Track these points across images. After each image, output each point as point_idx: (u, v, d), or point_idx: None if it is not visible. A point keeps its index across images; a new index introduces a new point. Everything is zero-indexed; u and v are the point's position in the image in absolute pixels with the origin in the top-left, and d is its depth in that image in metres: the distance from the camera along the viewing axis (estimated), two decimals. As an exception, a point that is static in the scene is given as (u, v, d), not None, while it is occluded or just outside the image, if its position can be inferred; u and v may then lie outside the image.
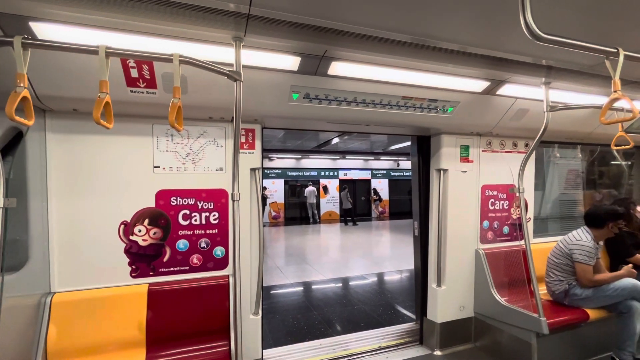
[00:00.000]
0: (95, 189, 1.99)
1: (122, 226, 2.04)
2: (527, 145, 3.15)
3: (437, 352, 2.89)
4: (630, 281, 2.52)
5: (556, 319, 2.46)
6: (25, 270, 1.77)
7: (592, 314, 2.57)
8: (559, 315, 2.53)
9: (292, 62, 1.81)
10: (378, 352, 2.91)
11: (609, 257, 3.28)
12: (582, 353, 2.71)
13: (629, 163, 4.22)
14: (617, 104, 2.30)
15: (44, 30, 1.41)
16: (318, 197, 13.66)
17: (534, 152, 3.10)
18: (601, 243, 2.77)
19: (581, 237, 2.66)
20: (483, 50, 1.82)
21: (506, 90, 2.36)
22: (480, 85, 2.28)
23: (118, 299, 2.00)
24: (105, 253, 2.01)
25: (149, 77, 1.75)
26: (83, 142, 1.96)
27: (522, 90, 2.40)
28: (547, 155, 3.86)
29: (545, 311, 2.43)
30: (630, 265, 2.66)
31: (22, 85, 1.12)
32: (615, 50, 1.37)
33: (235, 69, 1.54)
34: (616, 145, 2.39)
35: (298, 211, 13.98)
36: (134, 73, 1.71)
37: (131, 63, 1.67)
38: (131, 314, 2.00)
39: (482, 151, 2.99)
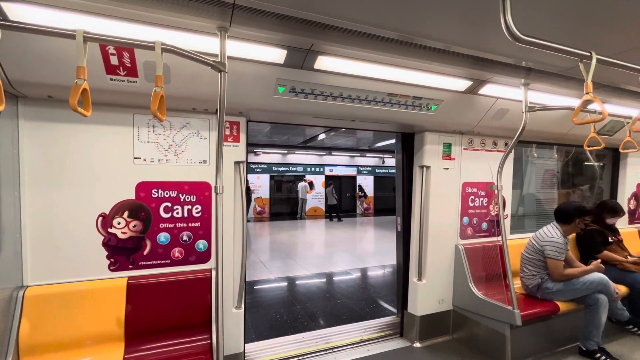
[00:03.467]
0: (72, 179, 1.92)
1: (100, 218, 1.98)
2: (506, 144, 3.25)
3: (417, 344, 2.97)
4: (597, 275, 2.66)
5: (529, 311, 2.58)
6: (-4, 263, 1.70)
7: (562, 306, 2.70)
8: (532, 307, 2.65)
9: (278, 54, 1.80)
10: (359, 344, 2.97)
11: (579, 254, 3.45)
12: (552, 343, 2.85)
13: (601, 164, 4.43)
14: (590, 106, 2.41)
15: (16, 11, 1.34)
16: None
17: (513, 151, 3.21)
18: (569, 237, 2.90)
19: (552, 233, 2.78)
20: (466, 49, 1.86)
21: (487, 90, 2.43)
22: (463, 84, 2.33)
23: (95, 293, 1.95)
24: (82, 246, 1.95)
25: (129, 65, 1.70)
26: (59, 131, 1.89)
27: (502, 91, 2.48)
28: (526, 154, 4.00)
29: (519, 304, 2.54)
30: (599, 260, 2.81)
31: None
32: (588, 54, 1.44)
33: (220, 60, 1.51)
34: (589, 146, 2.51)
35: (283, 206, 13.95)
36: (114, 60, 1.66)
37: (111, 50, 1.61)
38: (109, 308, 1.96)
39: (464, 149, 3.06)
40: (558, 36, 1.44)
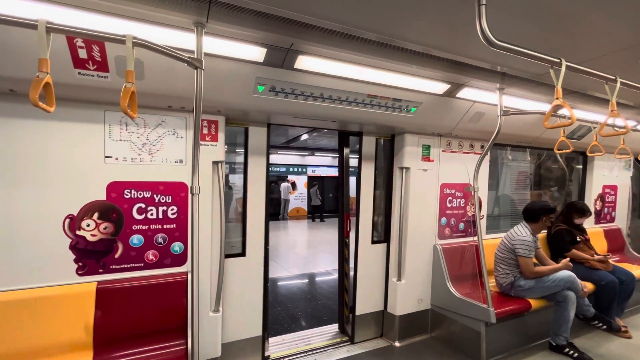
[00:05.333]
0: (36, 179, 1.81)
1: (68, 220, 1.88)
2: (482, 146, 3.35)
3: (397, 344, 3.00)
4: (566, 273, 2.78)
5: (503, 309, 2.66)
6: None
7: (534, 303, 2.81)
8: (505, 305, 2.73)
9: (257, 53, 1.77)
10: (340, 345, 2.97)
11: (549, 252, 3.60)
12: (524, 339, 2.95)
13: (571, 167, 4.65)
14: (560, 111, 2.52)
15: None
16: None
17: (489, 154, 3.31)
18: (539, 235, 3.02)
19: (521, 232, 2.89)
20: (445, 53, 1.90)
21: (465, 93, 2.49)
22: (441, 87, 2.38)
23: (62, 299, 1.84)
24: (47, 249, 1.84)
25: (99, 60, 1.62)
26: (23, 127, 1.77)
27: (479, 95, 2.55)
28: (501, 157, 4.14)
29: (494, 302, 2.62)
30: (568, 259, 2.94)
31: None
32: (558, 61, 1.50)
33: (196, 56, 1.47)
34: (559, 149, 2.62)
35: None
36: (83, 54, 1.57)
37: (79, 42, 1.53)
38: (77, 314, 1.86)
39: (442, 151, 3.13)
40: (531, 43, 1.49)
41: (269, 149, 2.66)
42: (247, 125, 2.55)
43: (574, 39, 1.73)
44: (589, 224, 4.08)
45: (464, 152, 3.26)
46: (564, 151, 2.62)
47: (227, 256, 2.47)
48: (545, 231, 3.59)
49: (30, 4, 1.32)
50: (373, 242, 3.07)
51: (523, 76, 2.23)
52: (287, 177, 13.85)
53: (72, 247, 1.90)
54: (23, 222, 1.79)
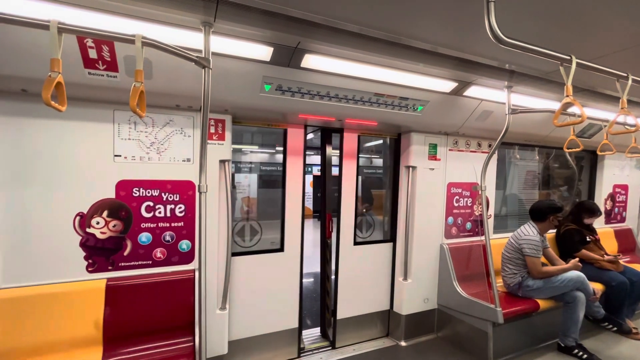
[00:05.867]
0: (48, 177, 1.84)
1: (78, 218, 1.91)
2: (490, 145, 3.32)
3: (402, 343, 2.99)
4: (575, 273, 2.74)
5: (510, 309, 2.63)
6: (-37, 265, 1.62)
7: (542, 304, 2.78)
8: (513, 305, 2.71)
9: (264, 52, 1.78)
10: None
11: (558, 252, 3.55)
12: (532, 340, 2.92)
13: (581, 166, 4.58)
14: (570, 109, 2.48)
15: None
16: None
17: (496, 153, 3.27)
18: (547, 235, 2.98)
19: (528, 232, 2.86)
20: (452, 51, 1.88)
21: (472, 91, 2.47)
22: (448, 85, 2.36)
23: (72, 295, 1.87)
24: (58, 246, 1.88)
25: (109, 59, 1.64)
26: (34, 126, 1.80)
27: (486, 93, 2.52)
28: (509, 156, 4.09)
29: (501, 302, 2.60)
30: (577, 259, 2.89)
31: None
32: (568, 58, 1.47)
33: (204, 55, 1.48)
34: (568, 148, 2.59)
35: (271, 206, 13.84)
36: (93, 54, 1.60)
37: (89, 43, 1.55)
38: (87, 310, 1.89)
39: (449, 150, 3.11)
40: (540, 40, 1.47)
41: (305, 149, 2.72)
42: (286, 127, 2.63)
43: (584, 35, 1.70)
44: (599, 223, 4.02)
45: (471, 151, 3.23)
46: (573, 150, 2.59)
47: (266, 252, 2.60)
48: (553, 231, 3.54)
49: (41, 5, 1.35)
50: (356, 244, 2.98)
51: (532, 74, 2.20)
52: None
53: (82, 245, 1.93)
54: (35, 220, 1.83)
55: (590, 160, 4.45)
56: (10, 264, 1.79)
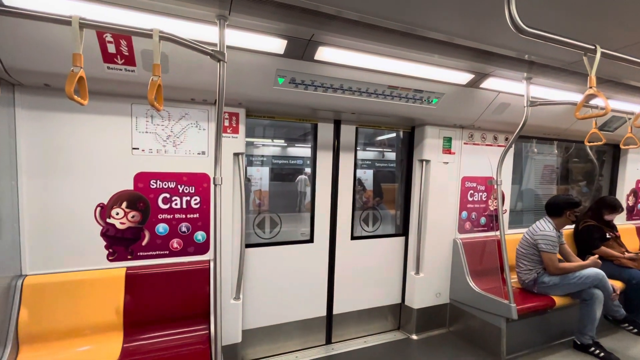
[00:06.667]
0: (69, 169, 1.91)
1: (99, 208, 1.98)
2: (507, 139, 3.24)
3: (414, 336, 2.99)
4: (594, 271, 2.68)
5: (525, 305, 2.60)
6: (-6, 252, 1.70)
7: (558, 300, 2.73)
8: (528, 301, 2.67)
9: (278, 44, 1.78)
10: (356, 337, 2.99)
11: (576, 249, 3.46)
12: (546, 337, 2.88)
13: (602, 160, 4.42)
14: (592, 101, 2.39)
15: None
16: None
17: (513, 146, 3.20)
18: (563, 231, 2.90)
19: (544, 227, 2.79)
20: (469, 42, 1.83)
21: (489, 83, 2.41)
22: (464, 77, 2.31)
23: (94, 283, 1.95)
24: (80, 236, 1.95)
25: (127, 54, 1.67)
26: (57, 120, 1.87)
27: (504, 85, 2.46)
28: (526, 150, 3.99)
29: (515, 298, 2.56)
30: (596, 256, 2.82)
31: None
32: (593, 47, 1.42)
33: (218, 49, 1.49)
34: (589, 142, 2.50)
35: (282, 199, 13.96)
36: (111, 48, 1.63)
37: (108, 37, 1.59)
38: (108, 297, 1.97)
39: (464, 143, 3.05)
40: (562, 29, 1.41)
41: (335, 144, 2.76)
42: (317, 122, 2.66)
43: (609, 24, 1.63)
44: (620, 220, 3.89)
45: (487, 145, 3.17)
46: (595, 144, 2.50)
47: (296, 242, 2.69)
48: (570, 227, 3.45)
49: (62, 1, 1.38)
50: (353, 238, 2.94)
51: (553, 64, 2.13)
52: (304, 169, 13.94)
53: (103, 235, 2.00)
54: (59, 211, 1.90)
55: (613, 155, 4.29)
56: (37, 252, 1.88)
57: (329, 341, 2.92)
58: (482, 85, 2.42)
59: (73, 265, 1.95)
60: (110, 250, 2.02)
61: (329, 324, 2.91)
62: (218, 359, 1.67)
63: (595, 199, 3.75)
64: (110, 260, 2.02)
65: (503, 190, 3.13)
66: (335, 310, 2.91)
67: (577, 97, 2.45)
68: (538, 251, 2.77)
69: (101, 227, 1.99)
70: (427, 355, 2.74)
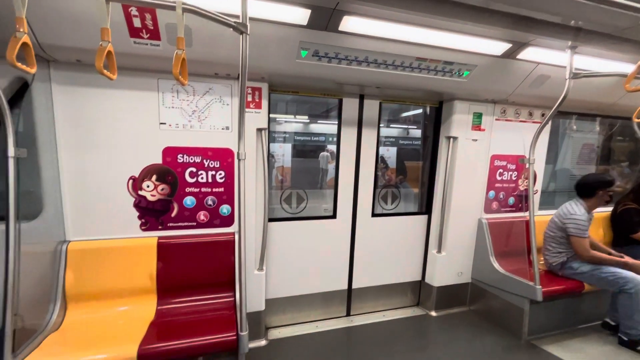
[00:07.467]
0: (102, 143, 2.00)
1: (131, 181, 2.08)
2: (543, 115, 3.03)
3: (433, 313, 3.02)
4: (633, 276, 2.44)
5: (551, 288, 2.53)
6: (41, 219, 1.85)
7: (587, 286, 2.62)
8: (554, 284, 2.60)
9: (301, 14, 1.72)
10: (375, 311, 3.06)
11: (613, 233, 3.28)
12: (571, 320, 2.81)
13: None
14: (646, 73, 2.16)
15: None
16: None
17: (550, 123, 2.99)
18: (593, 213, 2.73)
19: (574, 209, 2.62)
20: (507, 7, 1.68)
21: (528, 54, 2.22)
22: (500, 47, 2.14)
23: (130, 250, 2.09)
24: (116, 206, 2.08)
25: (152, 28, 1.68)
26: (89, 95, 1.94)
27: (544, 55, 2.26)
28: (563, 127, 3.73)
29: (541, 280, 2.49)
30: (626, 258, 2.59)
31: (21, 30, 1.08)
32: None
33: (241, 21, 1.46)
34: (638, 118, 2.29)
35: (304, 176, 14.08)
36: (137, 22, 1.64)
37: (134, 11, 1.60)
38: (142, 264, 2.11)
39: (496, 119, 2.89)
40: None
41: (360, 120, 2.72)
42: (342, 97, 2.62)
43: None
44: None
45: (521, 121, 2.98)
46: (644, 120, 2.28)
47: (319, 218, 2.75)
48: (606, 209, 3.25)
49: None
50: (374, 215, 2.94)
51: (602, 31, 1.92)
52: (326, 146, 13.88)
53: (136, 206, 2.11)
54: (96, 183, 2.02)
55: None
56: (78, 220, 2.03)
57: (348, 313, 3.01)
58: (519, 56, 2.24)
59: (110, 233, 2.09)
60: (143, 220, 2.14)
61: (349, 297, 2.99)
62: (243, 324, 1.77)
63: (638, 180, 3.48)
64: (143, 230, 2.15)
65: (535, 170, 2.98)
66: (355, 285, 2.97)
67: (628, 68, 2.21)
68: (567, 234, 2.65)
69: (134, 199, 2.10)
70: (446, 330, 2.77)
